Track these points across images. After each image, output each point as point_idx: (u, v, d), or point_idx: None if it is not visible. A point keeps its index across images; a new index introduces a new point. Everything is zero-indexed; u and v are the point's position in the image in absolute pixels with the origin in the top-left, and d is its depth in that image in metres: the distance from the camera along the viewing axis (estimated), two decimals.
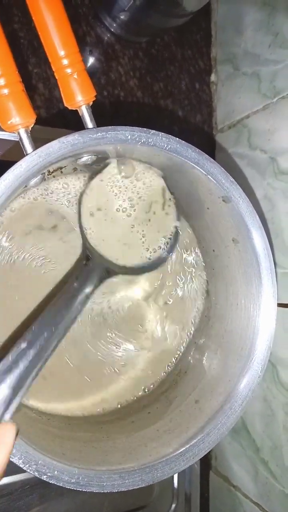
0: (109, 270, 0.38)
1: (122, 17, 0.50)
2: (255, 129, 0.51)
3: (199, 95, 0.60)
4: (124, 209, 0.39)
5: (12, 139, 0.39)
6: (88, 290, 0.35)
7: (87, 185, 0.38)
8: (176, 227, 0.41)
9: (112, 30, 0.53)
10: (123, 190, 0.38)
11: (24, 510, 0.45)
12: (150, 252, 0.40)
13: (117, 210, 0.39)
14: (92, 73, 0.52)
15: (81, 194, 0.38)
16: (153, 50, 0.57)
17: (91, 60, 0.54)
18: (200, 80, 0.59)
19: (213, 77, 0.60)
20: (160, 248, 0.40)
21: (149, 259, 0.40)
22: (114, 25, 0.53)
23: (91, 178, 0.38)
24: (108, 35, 0.54)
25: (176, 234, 0.41)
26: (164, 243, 0.40)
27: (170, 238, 0.41)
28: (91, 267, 0.37)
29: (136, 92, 0.56)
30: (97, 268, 0.37)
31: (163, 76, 0.57)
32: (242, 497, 0.51)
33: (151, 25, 0.52)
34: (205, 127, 0.60)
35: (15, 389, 0.28)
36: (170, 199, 0.40)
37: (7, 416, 0.28)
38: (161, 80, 0.57)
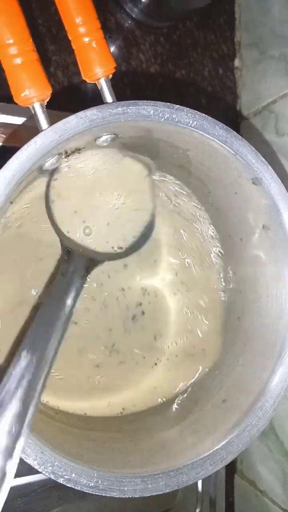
0: (92, 259, 0.37)
1: (143, 0, 0.49)
2: (282, 114, 0.49)
3: (222, 82, 0.57)
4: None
5: (15, 122, 0.37)
6: (77, 282, 0.34)
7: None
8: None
9: (133, 15, 0.51)
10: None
11: None
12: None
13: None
14: None
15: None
16: (175, 36, 0.54)
17: (111, 47, 0.52)
18: (223, 65, 0.57)
19: (237, 62, 0.57)
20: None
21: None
22: (135, 10, 0.51)
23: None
24: (129, 21, 0.52)
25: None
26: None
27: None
28: (72, 260, 0.36)
29: (158, 79, 0.54)
30: (80, 259, 0.36)
31: (186, 63, 0.55)
32: (270, 503, 0.48)
33: (173, 7, 0.50)
34: (229, 114, 0.57)
35: (26, 402, 0.26)
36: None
37: (25, 430, 0.25)
38: (183, 67, 0.55)
